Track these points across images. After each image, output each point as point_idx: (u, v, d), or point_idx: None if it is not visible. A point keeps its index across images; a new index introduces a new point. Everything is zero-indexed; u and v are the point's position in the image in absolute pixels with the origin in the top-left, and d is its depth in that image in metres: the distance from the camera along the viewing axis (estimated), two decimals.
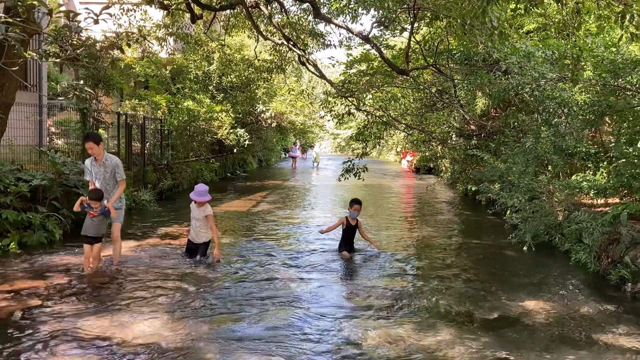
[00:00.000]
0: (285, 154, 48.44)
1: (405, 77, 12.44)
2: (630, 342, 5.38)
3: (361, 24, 28.43)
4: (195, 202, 8.05)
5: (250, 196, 17.39)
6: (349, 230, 8.88)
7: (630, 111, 9.32)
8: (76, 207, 7.15)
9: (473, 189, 16.97)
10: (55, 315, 5.54)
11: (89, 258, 7.08)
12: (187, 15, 12.40)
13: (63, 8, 7.06)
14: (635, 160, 8.38)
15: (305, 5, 13.30)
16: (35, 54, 7.02)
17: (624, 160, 8.60)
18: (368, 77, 14.56)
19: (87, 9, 6.85)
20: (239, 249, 9.18)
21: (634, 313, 6.38)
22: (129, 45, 8.28)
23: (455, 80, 14.19)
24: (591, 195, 9.65)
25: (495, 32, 6.60)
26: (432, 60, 12.11)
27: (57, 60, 7.33)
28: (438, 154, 23.82)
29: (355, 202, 8.97)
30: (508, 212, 12.28)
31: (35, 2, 5.60)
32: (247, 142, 23.62)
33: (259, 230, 11.06)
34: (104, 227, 7.22)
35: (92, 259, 7.10)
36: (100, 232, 7.17)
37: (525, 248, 9.45)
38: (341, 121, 15.75)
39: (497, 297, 6.81)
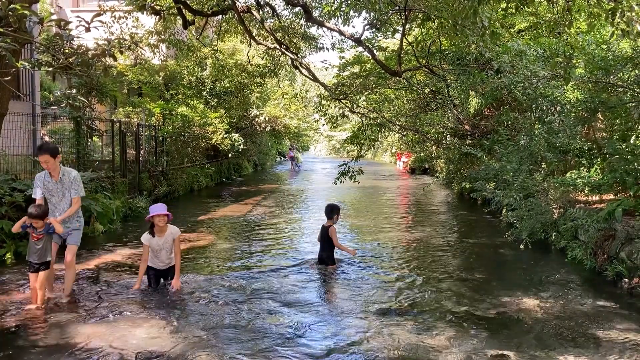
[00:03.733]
0: (282, 157, 48.95)
1: (398, 78, 12.46)
2: (627, 337, 5.40)
3: (353, 27, 28.58)
4: (151, 232, 6.60)
5: (246, 200, 17.38)
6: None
7: (623, 107, 9.37)
8: (16, 228, 6.06)
9: (468, 186, 17.00)
10: (51, 324, 5.52)
11: (35, 289, 5.99)
12: (179, 21, 12.38)
13: (54, 17, 7.06)
14: (629, 156, 8.43)
15: (297, 9, 13.31)
16: (27, 64, 7.01)
17: (617, 156, 8.65)
18: (361, 79, 14.58)
19: (78, 17, 6.85)
20: (234, 255, 9.17)
21: (630, 308, 6.40)
22: (121, 53, 8.27)
23: (448, 81, 14.24)
24: (586, 192, 9.69)
25: (487, 32, 6.62)
26: (424, 61, 12.14)
27: (50, 69, 7.29)
28: (433, 155, 23.89)
29: (339, 210, 8.42)
30: (504, 210, 12.31)
31: (26, 12, 5.60)
32: (241, 146, 23.62)
33: (254, 235, 11.05)
34: (49, 250, 6.11)
35: (39, 288, 5.97)
36: (46, 257, 6.07)
37: (521, 246, 9.47)
38: (335, 124, 15.76)
39: (494, 295, 6.83)
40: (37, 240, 5.99)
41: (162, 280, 6.78)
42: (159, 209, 6.58)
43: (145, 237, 6.59)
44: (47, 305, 6.04)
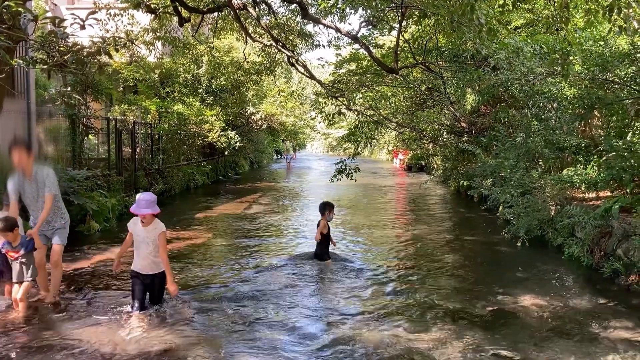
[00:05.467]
0: (279, 155, 48.90)
1: (394, 75, 12.44)
2: (624, 334, 5.40)
3: (349, 24, 28.54)
4: (139, 218, 5.73)
5: (242, 198, 17.34)
6: (329, 235, 8.35)
7: (619, 104, 9.37)
8: None
9: (465, 184, 17.01)
10: (45, 324, 5.49)
11: (15, 300, 5.72)
12: (175, 18, 12.33)
13: (49, 14, 7.00)
14: (626, 153, 8.42)
15: (293, 6, 13.27)
16: (22, 61, 6.95)
17: (614, 153, 8.65)
18: (358, 77, 14.55)
19: (73, 14, 6.80)
20: (230, 252, 9.15)
21: (627, 305, 6.41)
22: (116, 50, 8.22)
23: (445, 78, 14.21)
24: (582, 189, 9.70)
25: (484, 28, 6.61)
26: (421, 59, 12.13)
27: (45, 67, 7.23)
28: (429, 152, 23.88)
29: (332, 207, 8.48)
30: (500, 207, 12.32)
31: (20, 9, 5.55)
32: (238, 144, 23.57)
33: (251, 233, 11.02)
34: (33, 266, 5.68)
35: (20, 300, 5.66)
36: (30, 275, 5.65)
37: (518, 243, 9.47)
38: (332, 121, 15.74)
39: (491, 292, 6.82)
40: (15, 259, 5.58)
41: (147, 297, 5.86)
42: (142, 207, 5.61)
43: (131, 223, 5.84)
44: (38, 306, 6.00)
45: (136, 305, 5.71)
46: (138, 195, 5.78)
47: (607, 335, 5.37)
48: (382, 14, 11.56)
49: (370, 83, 14.68)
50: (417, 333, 5.37)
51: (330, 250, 8.36)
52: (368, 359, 4.78)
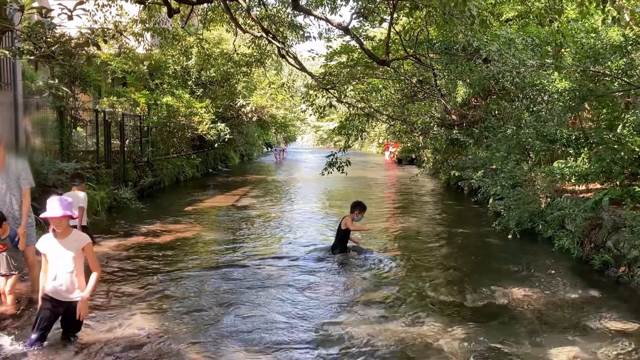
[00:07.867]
0: (269, 148, 48.79)
1: (385, 67, 12.40)
2: (614, 325, 5.43)
3: (340, 15, 28.39)
4: (52, 230, 4.63)
5: (232, 191, 17.28)
6: (347, 232, 8.42)
7: (610, 96, 9.39)
8: None
9: (456, 174, 17.04)
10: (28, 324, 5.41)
11: (4, 293, 5.64)
12: (164, 9, 12.20)
13: (35, 4, 6.88)
14: (616, 146, 8.45)
15: None
16: (8, 52, 6.84)
17: (604, 145, 8.67)
18: (348, 69, 14.50)
19: (60, 4, 6.68)
20: (222, 246, 9.10)
21: (617, 297, 6.45)
22: (105, 41, 8.10)
23: (436, 70, 14.19)
24: (573, 181, 9.73)
25: (475, 20, 6.59)
26: (412, 51, 12.09)
27: (32, 57, 7.12)
28: (420, 145, 23.91)
29: (364, 209, 8.53)
30: (491, 200, 12.35)
31: None
32: (227, 136, 23.46)
33: (242, 226, 10.98)
34: (19, 260, 5.66)
35: (8, 293, 5.62)
36: (16, 268, 5.60)
37: (509, 236, 9.50)
38: (322, 114, 15.68)
39: (482, 285, 6.83)
40: (2, 251, 5.49)
41: (57, 323, 4.74)
42: (53, 208, 4.50)
43: (44, 241, 4.64)
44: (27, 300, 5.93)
45: (33, 336, 4.56)
46: (49, 200, 4.58)
47: (597, 326, 5.40)
48: (373, 6, 11.51)
49: (361, 75, 14.64)
50: (409, 326, 5.36)
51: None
52: (360, 352, 4.76)
